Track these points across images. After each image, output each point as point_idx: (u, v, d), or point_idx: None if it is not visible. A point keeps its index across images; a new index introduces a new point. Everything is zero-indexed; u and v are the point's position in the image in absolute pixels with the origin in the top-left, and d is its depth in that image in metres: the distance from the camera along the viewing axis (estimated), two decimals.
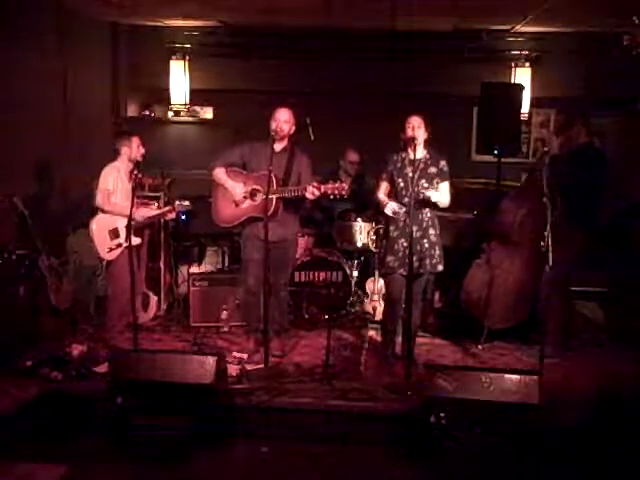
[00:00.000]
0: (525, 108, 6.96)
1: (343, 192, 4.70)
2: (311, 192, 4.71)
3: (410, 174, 4.71)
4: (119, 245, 5.24)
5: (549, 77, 7.19)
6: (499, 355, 5.28)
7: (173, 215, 5.62)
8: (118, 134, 5.43)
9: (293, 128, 5.00)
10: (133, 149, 5.25)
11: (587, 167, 5.03)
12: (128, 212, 5.04)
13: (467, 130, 7.38)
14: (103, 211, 5.24)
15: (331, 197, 4.74)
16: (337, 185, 4.70)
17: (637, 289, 5.60)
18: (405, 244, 4.77)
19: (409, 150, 4.75)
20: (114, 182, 5.22)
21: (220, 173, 5.06)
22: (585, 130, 5.19)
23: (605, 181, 5.19)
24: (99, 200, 5.22)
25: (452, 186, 4.95)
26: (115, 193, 5.23)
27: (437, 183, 4.77)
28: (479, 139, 6.76)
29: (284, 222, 4.97)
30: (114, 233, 5.24)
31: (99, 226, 5.27)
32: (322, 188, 4.70)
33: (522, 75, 7.33)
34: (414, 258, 4.62)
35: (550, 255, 4.29)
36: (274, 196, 4.77)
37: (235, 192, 5.00)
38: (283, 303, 5.26)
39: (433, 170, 4.79)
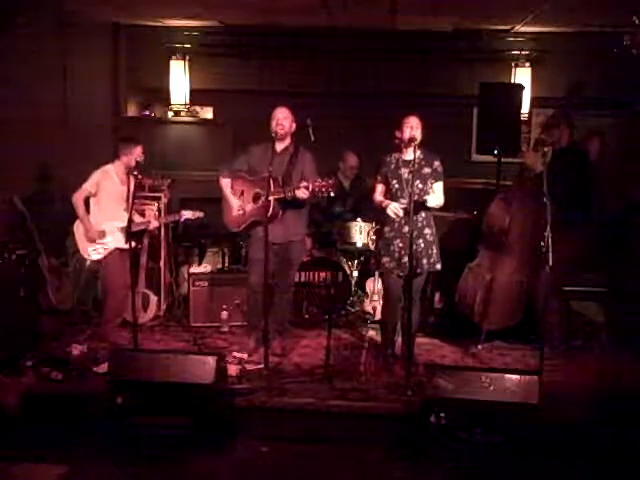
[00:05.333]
0: (525, 108, 6.96)
1: (330, 189, 4.71)
2: (302, 192, 4.74)
3: (405, 175, 4.72)
4: (104, 247, 5.25)
5: (549, 77, 7.19)
6: (499, 355, 5.28)
7: (156, 224, 5.64)
8: (124, 139, 5.39)
9: (294, 125, 4.99)
10: (132, 159, 5.18)
11: (568, 169, 5.04)
12: (88, 224, 5.19)
13: (467, 130, 7.38)
14: (73, 206, 5.25)
15: (320, 195, 4.76)
16: (324, 183, 4.71)
17: (637, 289, 5.60)
18: (401, 244, 4.77)
19: (403, 150, 4.77)
20: (100, 186, 5.21)
21: (223, 185, 5.11)
22: (569, 131, 5.19)
23: (591, 180, 5.20)
24: (74, 196, 5.21)
25: (452, 186, 4.94)
26: (100, 197, 5.23)
27: (431, 183, 4.77)
28: (479, 139, 6.77)
29: (287, 224, 4.96)
30: (99, 235, 5.25)
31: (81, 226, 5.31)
32: (310, 187, 4.72)
33: (522, 75, 7.32)
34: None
35: (550, 256, 4.29)
36: (272, 197, 4.76)
37: (233, 207, 5.06)
38: (286, 305, 5.24)
39: (427, 170, 4.78)
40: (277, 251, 4.87)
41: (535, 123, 7.34)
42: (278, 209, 4.87)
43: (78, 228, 5.29)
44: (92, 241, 5.23)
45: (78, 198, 5.21)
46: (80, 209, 5.22)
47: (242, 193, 5.07)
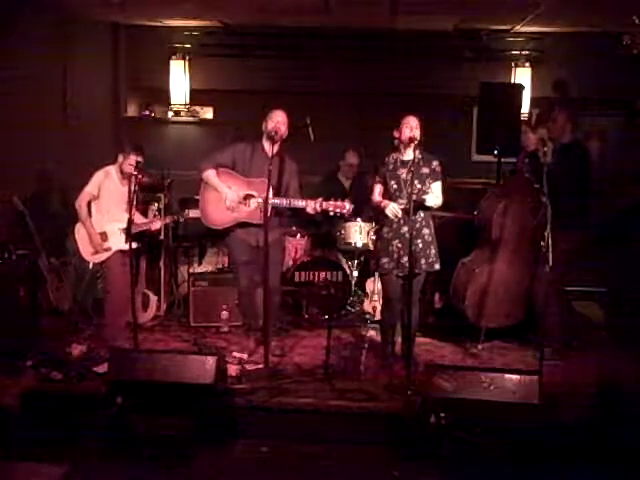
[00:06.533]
0: (525, 108, 6.96)
1: (344, 211, 4.75)
2: (312, 208, 4.74)
3: (403, 175, 4.72)
4: (107, 249, 5.17)
5: (549, 77, 7.20)
6: (499, 355, 5.28)
7: (158, 226, 5.58)
8: (129, 144, 5.25)
9: (286, 132, 4.95)
10: (125, 165, 5.09)
11: (572, 165, 5.03)
12: (91, 229, 5.11)
13: (467, 130, 7.38)
14: (77, 211, 5.16)
15: (331, 214, 4.77)
16: (339, 203, 4.72)
17: (637, 289, 5.60)
18: (400, 245, 4.76)
19: (402, 151, 4.77)
20: (102, 187, 5.14)
21: (212, 176, 4.98)
22: (570, 126, 5.17)
23: (590, 178, 5.20)
24: (77, 201, 5.14)
25: (452, 186, 4.94)
26: (102, 198, 5.15)
27: (429, 183, 4.77)
28: (479, 139, 6.77)
29: (271, 227, 4.93)
30: (101, 237, 5.17)
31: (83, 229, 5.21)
32: (324, 205, 4.72)
33: (522, 75, 7.33)
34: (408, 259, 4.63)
35: (550, 255, 4.29)
36: (275, 201, 4.75)
37: (227, 198, 4.95)
38: (277, 304, 5.20)
39: (425, 170, 4.78)
40: (261, 254, 4.77)
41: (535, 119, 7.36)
42: (272, 213, 4.85)
43: (79, 231, 5.20)
44: (95, 245, 5.15)
45: (81, 202, 5.12)
46: (84, 213, 5.13)
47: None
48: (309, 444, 4.09)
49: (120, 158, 5.16)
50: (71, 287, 5.94)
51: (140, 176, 4.98)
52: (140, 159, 5.06)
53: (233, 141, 5.45)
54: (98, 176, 5.18)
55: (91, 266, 5.46)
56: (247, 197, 4.96)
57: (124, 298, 5.06)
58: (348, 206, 4.75)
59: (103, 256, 5.21)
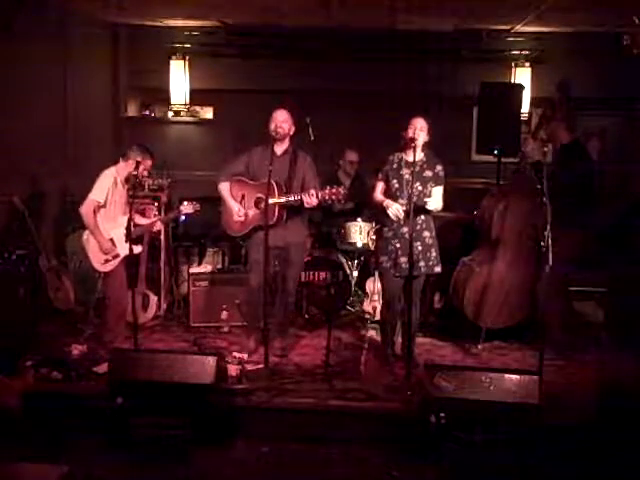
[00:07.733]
0: (525, 108, 6.96)
1: (340, 196, 4.74)
2: (308, 201, 4.73)
3: (406, 176, 4.72)
4: (116, 256, 5.07)
5: (549, 77, 7.19)
6: (499, 355, 5.28)
7: (160, 227, 5.56)
8: (140, 147, 5.15)
9: (293, 128, 4.99)
10: (141, 167, 4.99)
11: (572, 165, 5.02)
12: (101, 237, 4.99)
13: (467, 130, 7.37)
14: (84, 219, 4.99)
15: (329, 202, 4.77)
16: (334, 190, 4.72)
17: (637, 289, 5.60)
18: (398, 245, 4.77)
19: (406, 151, 4.76)
20: (109, 193, 4.99)
21: (224, 190, 5.05)
22: (564, 126, 5.16)
23: (594, 178, 5.20)
24: (84, 208, 4.96)
25: (452, 186, 4.94)
26: (108, 205, 5.02)
27: (431, 187, 4.77)
28: (479, 139, 6.77)
29: (287, 227, 4.95)
30: (111, 245, 5.06)
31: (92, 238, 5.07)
32: (319, 195, 4.72)
33: (522, 75, 7.33)
34: (405, 260, 4.64)
35: (550, 255, 4.29)
36: (274, 201, 4.76)
37: (234, 213, 5.01)
38: (288, 306, 5.23)
39: (429, 174, 4.78)
40: (278, 254, 4.86)
41: (535, 123, 7.35)
42: (282, 214, 4.86)
43: (89, 241, 5.08)
44: (106, 253, 5.04)
45: (88, 210, 4.95)
46: (91, 221, 4.97)
47: (243, 197, 5.04)
48: (309, 444, 4.09)
49: (132, 163, 5.02)
50: (71, 287, 5.93)
51: (140, 176, 4.97)
52: (150, 161, 5.06)
53: (234, 143, 5.47)
54: (106, 182, 5.01)
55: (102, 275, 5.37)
56: (258, 201, 4.96)
57: (126, 303, 5.04)
58: (342, 190, 4.75)
59: (114, 263, 5.10)
